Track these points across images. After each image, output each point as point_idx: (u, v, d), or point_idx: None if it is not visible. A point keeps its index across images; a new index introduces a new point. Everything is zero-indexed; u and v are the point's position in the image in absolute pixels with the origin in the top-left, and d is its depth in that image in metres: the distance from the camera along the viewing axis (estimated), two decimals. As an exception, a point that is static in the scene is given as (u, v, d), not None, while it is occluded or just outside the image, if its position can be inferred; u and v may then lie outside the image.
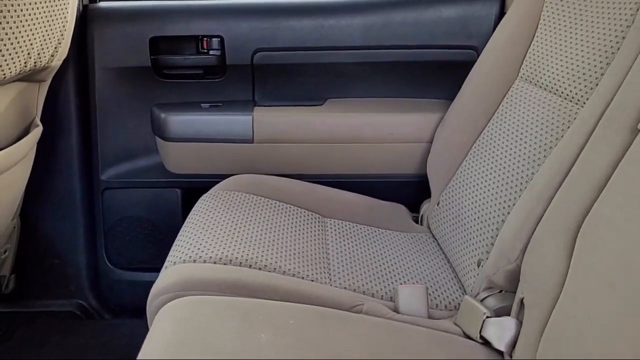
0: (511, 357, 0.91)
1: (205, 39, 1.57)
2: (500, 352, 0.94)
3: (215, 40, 1.57)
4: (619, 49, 0.97)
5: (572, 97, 1.07)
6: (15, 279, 1.60)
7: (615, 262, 0.71)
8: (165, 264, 1.09)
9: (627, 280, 0.68)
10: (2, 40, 1.01)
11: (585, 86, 1.04)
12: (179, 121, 1.56)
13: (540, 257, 0.88)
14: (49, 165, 1.53)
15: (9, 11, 1.00)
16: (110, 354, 1.50)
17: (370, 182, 1.60)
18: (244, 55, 1.58)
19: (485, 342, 0.96)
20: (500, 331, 0.93)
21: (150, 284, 1.65)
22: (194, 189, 1.57)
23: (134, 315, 1.64)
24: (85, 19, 1.52)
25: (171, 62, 1.59)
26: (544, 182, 0.94)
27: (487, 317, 0.96)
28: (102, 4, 1.58)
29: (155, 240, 1.68)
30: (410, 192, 1.59)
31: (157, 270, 1.67)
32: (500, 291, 1.02)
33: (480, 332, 0.96)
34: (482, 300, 1.02)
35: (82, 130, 1.60)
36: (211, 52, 1.58)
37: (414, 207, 1.56)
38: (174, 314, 0.89)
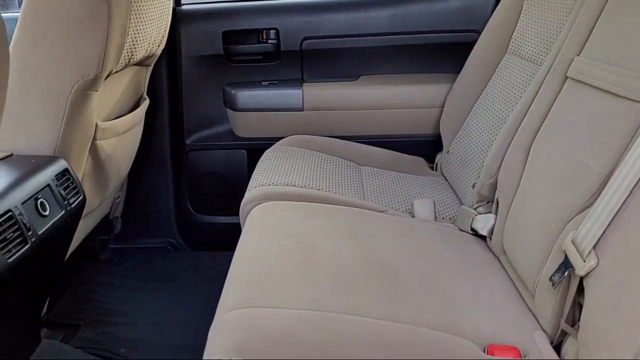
0: (490, 239, 1.33)
1: (264, 31, 2.01)
2: (483, 237, 1.35)
3: (272, 32, 2.01)
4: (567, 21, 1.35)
5: (535, 60, 1.47)
6: (122, 221, 2.07)
7: (547, 160, 1.13)
8: (249, 187, 1.53)
9: (553, 169, 1.10)
10: (138, 34, 1.46)
11: (543, 49, 1.44)
12: (245, 96, 2.00)
13: (508, 169, 1.29)
14: (147, 132, 1.99)
15: (142, 14, 1.46)
16: (195, 275, 1.94)
17: (395, 141, 2.00)
18: (294, 43, 2.01)
19: (475, 233, 1.37)
20: (484, 223, 1.35)
21: (222, 225, 2.12)
22: (256, 149, 2.00)
23: (211, 249, 2.09)
24: (174, 18, 1.97)
25: (238, 50, 2.03)
26: (513, 120, 1.35)
27: (475, 215, 1.38)
28: (185, 7, 2.03)
29: (227, 191, 2.12)
30: (427, 147, 1.99)
31: (229, 214, 2.12)
32: (488, 202, 1.42)
33: (470, 225, 1.37)
34: (474, 209, 1.43)
35: (172, 104, 2.06)
36: (269, 41, 2.02)
37: (430, 160, 1.96)
38: (260, 212, 1.33)
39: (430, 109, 1.97)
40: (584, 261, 0.87)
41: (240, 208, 1.46)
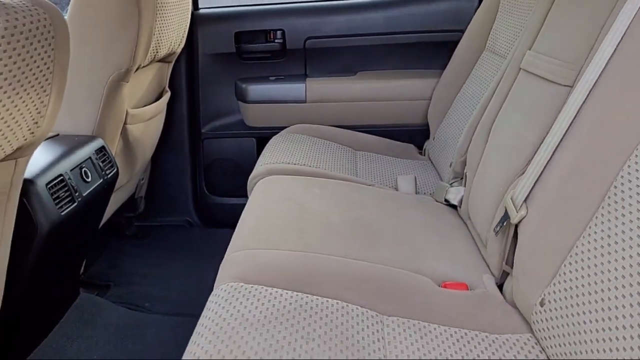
0: (460, 207, 1.55)
1: (271, 31, 2.26)
2: (455, 207, 1.58)
3: (279, 32, 2.25)
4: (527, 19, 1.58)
5: (504, 55, 1.70)
6: (145, 201, 2.33)
7: (500, 138, 1.36)
8: (256, 166, 1.77)
9: (504, 145, 1.32)
10: (162, 34, 1.71)
11: (510, 46, 1.66)
12: (254, 89, 2.24)
13: (473, 147, 1.52)
14: (168, 121, 2.24)
15: (166, 17, 1.71)
16: (207, 248, 2.19)
17: (389, 129, 2.24)
18: (298, 42, 2.26)
19: (448, 204, 1.60)
20: (455, 194, 1.58)
21: (233, 205, 2.35)
22: (264, 137, 2.24)
23: (222, 226, 2.33)
24: (193, 20, 2.23)
25: (249, 48, 2.28)
26: (480, 107, 1.58)
27: (448, 188, 1.61)
28: (202, 11, 2.29)
29: (238, 175, 2.36)
30: (417, 135, 2.22)
31: (239, 195, 2.36)
32: (461, 178, 1.65)
33: (444, 197, 1.60)
34: (450, 184, 1.66)
35: (190, 97, 2.32)
36: (276, 40, 2.27)
37: (420, 146, 2.19)
38: (264, 184, 1.57)
39: (420, 101, 2.20)
40: (517, 212, 1.10)
41: (248, 182, 1.71)
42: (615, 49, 0.99)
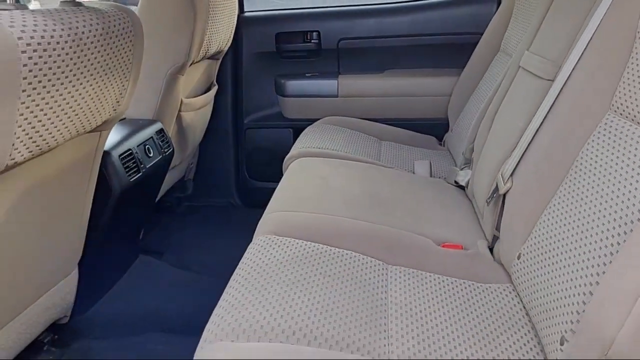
0: (467, 188, 1.77)
1: (308, 33, 2.51)
2: (463, 187, 1.79)
3: (314, 34, 2.51)
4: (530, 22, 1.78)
5: (511, 54, 1.90)
6: (193, 184, 2.62)
7: (499, 126, 1.57)
8: (292, 148, 2.02)
9: (500, 131, 1.54)
10: (212, 34, 1.99)
11: (516, 46, 1.87)
12: (292, 84, 2.50)
13: (479, 136, 1.73)
14: (214, 112, 2.52)
15: (216, 19, 1.98)
16: (247, 226, 2.45)
17: (412, 123, 2.45)
18: (332, 43, 2.50)
19: (457, 185, 1.82)
20: (463, 177, 1.79)
21: (271, 189, 2.59)
22: (299, 128, 2.48)
23: (263, 206, 2.58)
24: (238, 22, 2.50)
25: (288, 48, 2.54)
26: (487, 101, 1.79)
27: (458, 171, 1.82)
28: (247, 14, 2.56)
29: (276, 162, 2.61)
30: (438, 128, 2.42)
31: (276, 180, 2.61)
32: (469, 163, 1.86)
33: (454, 179, 1.82)
34: (460, 169, 1.87)
35: (234, 91, 2.59)
36: (312, 41, 2.52)
37: (440, 139, 2.40)
38: (297, 164, 1.82)
39: (441, 97, 2.41)
40: (504, 185, 1.32)
41: (284, 162, 1.96)
42: (586, 47, 1.20)
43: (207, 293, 1.81)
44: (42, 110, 0.93)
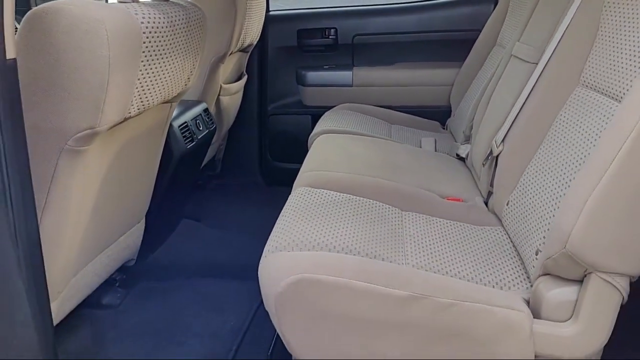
0: (466, 159, 2.08)
1: (326, 29, 2.83)
2: (463, 160, 2.10)
3: (332, 30, 2.82)
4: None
5: (504, 46, 2.21)
6: (222, 164, 2.93)
7: (492, 104, 1.89)
8: (315, 128, 2.33)
9: (494, 108, 1.85)
10: (247, 29, 2.30)
11: (509, 39, 2.18)
12: (311, 75, 2.81)
13: (477, 115, 2.04)
14: (242, 100, 2.83)
15: (251, 17, 2.30)
16: (270, 203, 2.75)
17: (418, 109, 2.76)
18: (347, 38, 2.82)
19: (459, 157, 2.13)
20: (464, 150, 2.10)
21: (291, 169, 2.89)
22: (318, 115, 2.79)
23: (283, 185, 2.89)
24: (265, 20, 2.81)
25: (308, 43, 2.85)
26: (484, 86, 2.11)
27: (460, 146, 2.13)
28: (272, 12, 2.88)
29: (296, 145, 2.92)
30: (442, 115, 2.74)
31: (296, 162, 2.92)
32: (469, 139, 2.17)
33: (456, 152, 2.13)
34: (461, 145, 2.18)
35: (260, 80, 2.91)
36: (330, 37, 2.83)
37: (443, 123, 2.72)
38: (321, 139, 2.13)
39: (444, 87, 2.72)
40: (497, 148, 1.63)
41: (308, 139, 2.28)
42: (562, 35, 1.52)
43: (247, 247, 2.13)
44: (149, 76, 1.24)
